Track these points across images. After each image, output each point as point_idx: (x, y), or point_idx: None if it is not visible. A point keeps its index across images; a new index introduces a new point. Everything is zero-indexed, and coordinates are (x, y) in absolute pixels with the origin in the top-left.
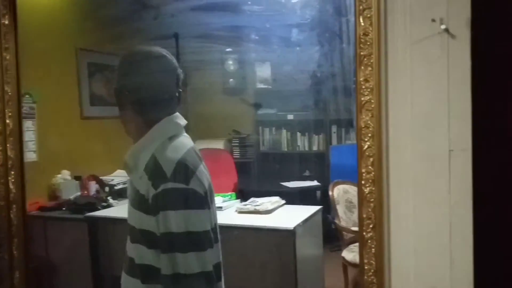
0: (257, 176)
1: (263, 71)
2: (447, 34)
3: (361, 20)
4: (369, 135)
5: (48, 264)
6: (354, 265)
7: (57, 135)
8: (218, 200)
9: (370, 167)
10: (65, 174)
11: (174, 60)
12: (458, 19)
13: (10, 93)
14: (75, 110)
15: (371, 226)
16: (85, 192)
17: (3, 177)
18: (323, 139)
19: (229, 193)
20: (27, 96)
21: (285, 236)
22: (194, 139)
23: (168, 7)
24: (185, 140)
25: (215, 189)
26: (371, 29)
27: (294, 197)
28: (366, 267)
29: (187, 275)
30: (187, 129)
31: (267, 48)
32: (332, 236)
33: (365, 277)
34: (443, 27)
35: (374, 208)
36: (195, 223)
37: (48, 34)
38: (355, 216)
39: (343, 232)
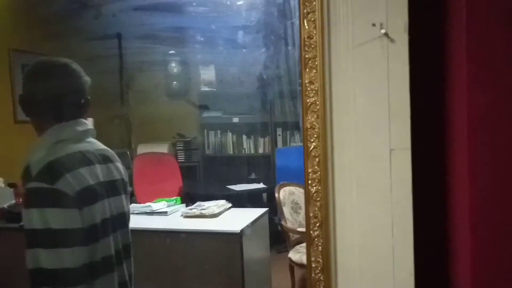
0: (202, 179)
1: (208, 74)
2: (387, 38)
3: (306, 24)
4: (315, 136)
5: None
6: (300, 265)
7: None
8: (162, 205)
9: (316, 167)
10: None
11: (80, 69)
12: (397, 24)
13: None
14: (8, 114)
15: (317, 224)
16: (20, 200)
17: None
18: (268, 142)
19: (174, 197)
20: None
21: (232, 239)
22: (136, 143)
23: (110, 6)
24: (76, 145)
25: (160, 193)
26: (315, 32)
27: (240, 200)
28: (313, 265)
29: (48, 269)
30: (128, 132)
31: (212, 50)
32: (279, 237)
33: (312, 275)
34: (382, 31)
35: (320, 207)
36: (56, 221)
37: None
38: (301, 217)
39: (290, 233)
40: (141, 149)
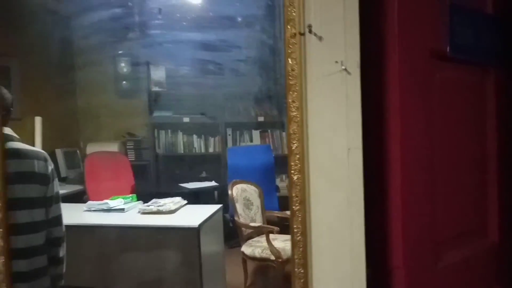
0: (154, 178)
1: (157, 74)
2: (345, 72)
3: (289, 60)
4: (296, 139)
5: None
6: (253, 258)
7: None
8: (119, 202)
9: (297, 161)
10: None
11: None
12: (352, 62)
13: None
14: None
15: (298, 202)
16: None
17: None
18: (218, 141)
19: (130, 195)
20: None
21: (190, 234)
22: (85, 142)
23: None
24: None
25: (112, 192)
26: (296, 66)
27: (193, 198)
28: (295, 230)
29: None
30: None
31: (219, 76)
32: (230, 234)
33: (294, 237)
34: (342, 67)
35: (299, 190)
36: None
37: None
38: (252, 213)
39: (242, 228)
40: (91, 148)
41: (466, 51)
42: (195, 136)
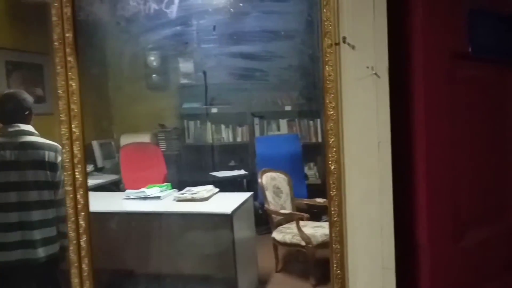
0: (184, 167)
1: (186, 67)
2: (376, 75)
3: (327, 67)
4: (333, 134)
5: None
6: (283, 244)
7: None
8: (155, 191)
9: (334, 153)
10: None
11: (13, 96)
12: (381, 66)
13: None
14: None
15: (334, 188)
16: None
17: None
18: (246, 131)
19: (164, 183)
20: None
21: (224, 220)
22: (119, 134)
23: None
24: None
25: (146, 181)
26: (332, 72)
27: (223, 186)
28: (332, 212)
29: None
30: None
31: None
32: (259, 221)
33: (332, 218)
34: (373, 71)
35: (336, 178)
36: None
37: None
38: (282, 200)
39: (273, 215)
40: (124, 140)
41: (487, 51)
42: (223, 126)
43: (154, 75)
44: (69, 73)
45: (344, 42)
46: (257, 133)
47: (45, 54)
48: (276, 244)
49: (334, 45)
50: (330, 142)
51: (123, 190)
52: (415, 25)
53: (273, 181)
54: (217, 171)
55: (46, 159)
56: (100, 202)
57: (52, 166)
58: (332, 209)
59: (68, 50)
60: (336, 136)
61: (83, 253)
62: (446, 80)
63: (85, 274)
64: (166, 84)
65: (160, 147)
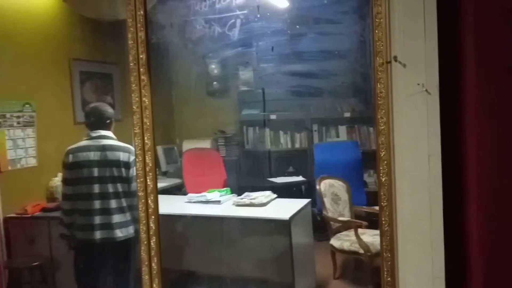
0: (243, 173)
1: (246, 74)
2: (426, 92)
3: (378, 84)
4: (384, 148)
5: (52, 261)
6: (341, 251)
7: (53, 140)
8: (215, 195)
9: (385, 166)
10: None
11: (98, 108)
12: (432, 83)
13: None
14: (69, 116)
15: (385, 199)
16: None
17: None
18: (305, 137)
19: (224, 188)
20: (27, 105)
21: (282, 226)
22: (181, 139)
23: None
24: (86, 141)
25: (206, 185)
26: (383, 89)
27: (281, 192)
28: (383, 222)
29: None
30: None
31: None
32: (317, 227)
33: (383, 227)
34: (423, 88)
35: (387, 189)
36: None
37: (45, 47)
38: (340, 207)
39: (331, 222)
40: (186, 145)
41: None
42: (281, 132)
43: (215, 83)
44: (143, 91)
45: (395, 60)
46: (315, 140)
47: (115, 64)
48: (334, 251)
49: (386, 63)
50: (382, 155)
51: (185, 194)
52: (468, 43)
53: (331, 188)
54: (275, 177)
55: (121, 159)
56: (164, 205)
57: (126, 165)
58: (383, 219)
59: (141, 69)
60: (387, 150)
61: (152, 252)
62: (500, 96)
63: (155, 272)
64: (226, 91)
65: (220, 152)
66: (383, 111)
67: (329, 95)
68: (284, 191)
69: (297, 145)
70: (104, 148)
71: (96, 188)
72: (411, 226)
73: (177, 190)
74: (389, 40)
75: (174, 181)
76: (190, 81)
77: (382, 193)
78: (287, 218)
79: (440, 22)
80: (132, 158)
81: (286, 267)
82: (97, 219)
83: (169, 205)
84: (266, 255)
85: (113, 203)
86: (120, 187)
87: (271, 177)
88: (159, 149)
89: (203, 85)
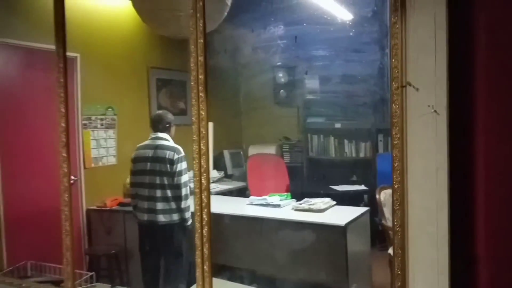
0: (306, 179)
1: (311, 83)
2: (435, 113)
3: (394, 105)
4: (397, 159)
5: (126, 250)
6: None
7: (131, 141)
8: (275, 199)
9: (398, 175)
10: None
11: (159, 114)
12: (441, 104)
13: None
14: (146, 120)
15: (398, 203)
16: None
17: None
18: (369, 147)
19: (285, 193)
20: (109, 109)
21: (337, 232)
22: (247, 144)
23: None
24: (148, 141)
25: (269, 189)
26: (398, 109)
27: (342, 200)
28: (395, 223)
29: None
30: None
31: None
32: (379, 237)
33: (395, 228)
34: (433, 109)
35: (399, 195)
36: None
37: (126, 57)
38: None
39: (390, 232)
40: (252, 150)
41: None
42: (346, 141)
43: (281, 91)
44: (200, 105)
45: (409, 85)
46: (380, 150)
47: (188, 72)
48: (392, 260)
49: (401, 87)
50: (395, 166)
51: (249, 196)
52: (479, 68)
53: (391, 198)
54: (338, 184)
55: (167, 156)
56: (227, 205)
57: (171, 161)
58: (395, 220)
59: (200, 88)
60: (400, 162)
61: (204, 239)
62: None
63: (205, 255)
64: (292, 99)
65: (284, 158)
66: (397, 128)
67: (351, 115)
68: (345, 199)
69: (361, 154)
70: (156, 147)
71: (148, 179)
72: (419, 228)
73: (242, 193)
74: (405, 68)
75: (239, 184)
76: (256, 91)
77: (395, 198)
78: (343, 224)
79: (451, 47)
80: (176, 156)
81: (341, 273)
82: (146, 204)
83: (231, 205)
84: (322, 260)
85: (159, 193)
86: (166, 180)
87: (333, 185)
88: (226, 154)
89: (270, 96)
